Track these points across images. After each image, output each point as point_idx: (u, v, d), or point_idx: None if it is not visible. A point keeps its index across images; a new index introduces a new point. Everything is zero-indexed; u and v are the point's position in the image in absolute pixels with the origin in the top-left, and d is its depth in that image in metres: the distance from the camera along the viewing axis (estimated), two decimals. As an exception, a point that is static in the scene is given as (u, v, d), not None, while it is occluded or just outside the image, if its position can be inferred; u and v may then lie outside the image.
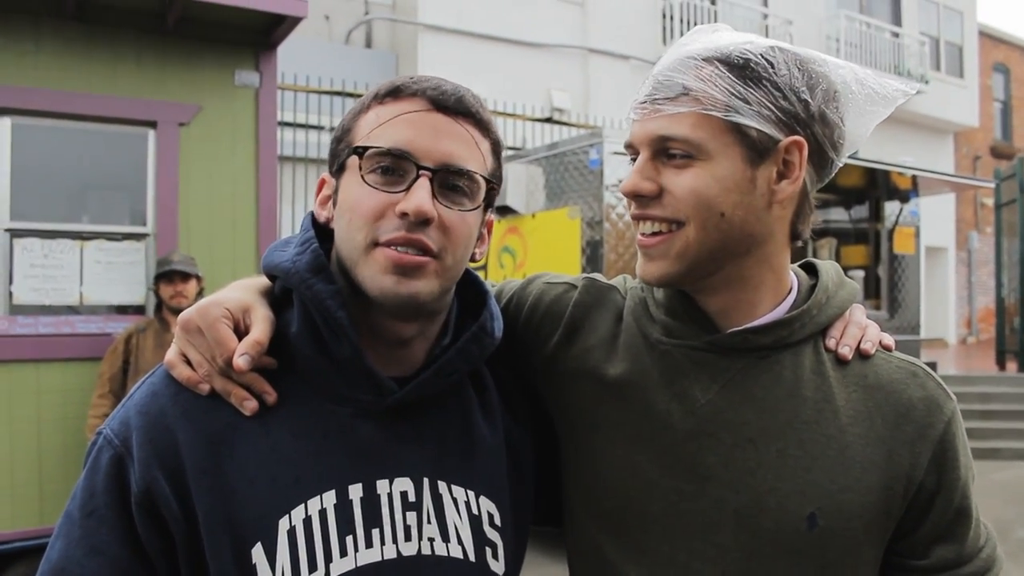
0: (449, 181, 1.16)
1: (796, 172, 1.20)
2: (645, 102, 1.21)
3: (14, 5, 4.97)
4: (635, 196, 1.22)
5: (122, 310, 5.32)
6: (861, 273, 11.06)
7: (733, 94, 1.15)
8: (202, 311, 1.17)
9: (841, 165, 1.28)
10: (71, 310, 5.16)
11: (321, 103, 10.67)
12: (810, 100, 1.19)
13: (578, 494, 1.34)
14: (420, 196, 1.11)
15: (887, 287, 11.27)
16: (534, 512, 1.40)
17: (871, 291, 11.23)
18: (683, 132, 1.16)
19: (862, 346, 1.26)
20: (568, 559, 1.40)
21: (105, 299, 5.27)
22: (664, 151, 1.19)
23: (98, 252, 5.23)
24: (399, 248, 1.12)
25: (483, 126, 1.21)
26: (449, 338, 1.27)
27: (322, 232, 1.24)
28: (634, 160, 1.24)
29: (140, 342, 4.87)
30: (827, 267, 1.34)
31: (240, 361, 1.12)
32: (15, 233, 5.05)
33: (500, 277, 8.25)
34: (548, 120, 12.79)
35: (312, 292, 1.15)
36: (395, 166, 1.14)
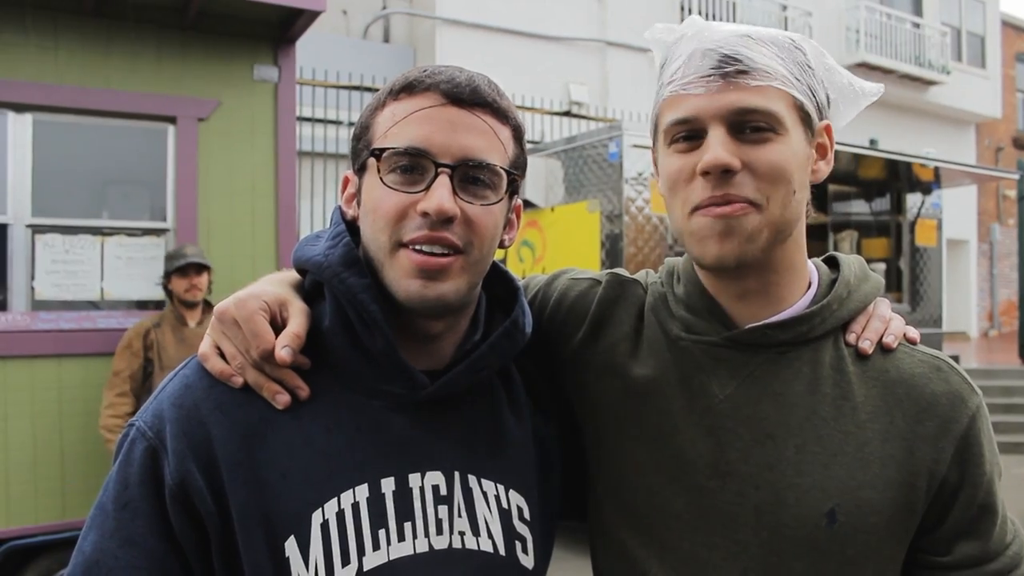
0: (470, 175, 1.15)
1: (829, 154, 1.23)
2: (711, 76, 1.15)
3: (34, 1, 4.98)
4: (721, 171, 1.13)
5: (143, 305, 5.35)
6: (882, 266, 10.99)
7: (793, 73, 1.17)
8: (240, 303, 1.18)
9: None
10: (92, 305, 5.19)
11: (340, 98, 10.69)
12: (828, 91, 1.23)
13: (603, 490, 1.34)
14: (440, 195, 1.11)
15: (908, 280, 11.20)
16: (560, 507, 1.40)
17: (892, 284, 11.15)
18: (766, 104, 1.15)
19: (884, 340, 1.25)
20: (592, 554, 1.40)
21: (126, 294, 5.29)
22: (741, 125, 1.15)
23: (118, 248, 5.25)
24: (424, 248, 1.12)
25: (501, 114, 1.19)
26: (480, 333, 1.27)
27: (351, 227, 1.24)
28: (685, 137, 1.19)
29: (159, 338, 4.82)
30: (850, 261, 1.33)
31: (283, 353, 1.12)
32: (37, 229, 5.08)
33: (519, 271, 8.25)
34: (567, 114, 12.77)
35: (345, 286, 1.15)
36: (413, 165, 1.13)
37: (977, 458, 1.19)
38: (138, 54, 5.25)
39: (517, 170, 1.22)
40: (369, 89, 10.64)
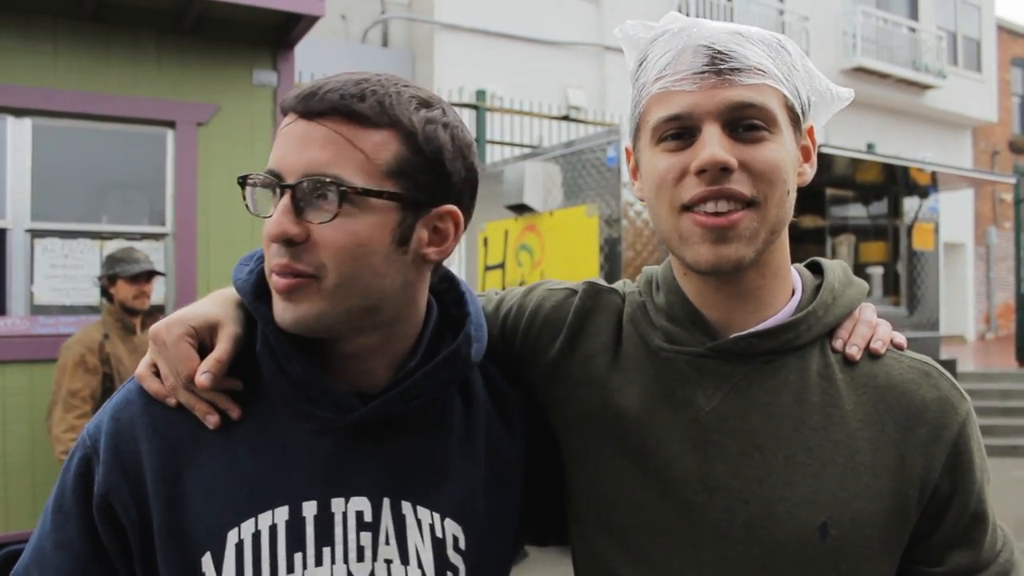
0: (315, 191, 1.06)
1: (812, 156, 1.19)
2: (704, 72, 1.11)
3: (32, 6, 5.00)
4: (719, 170, 1.09)
5: (142, 309, 5.34)
6: (880, 270, 11.01)
7: (782, 72, 1.14)
8: (168, 327, 1.18)
9: None
10: (91, 310, 5.19)
11: (338, 102, 10.65)
12: (809, 94, 1.20)
13: (584, 507, 1.30)
14: (273, 218, 1.07)
15: (906, 283, 11.21)
16: (536, 531, 1.38)
17: (890, 288, 11.17)
18: (763, 100, 1.11)
19: (872, 345, 1.21)
20: (574, 571, 1.36)
21: (125, 298, 5.28)
22: (735, 123, 1.11)
23: (118, 252, 5.26)
24: (278, 275, 1.09)
25: (361, 118, 1.07)
26: (418, 358, 1.20)
27: None
28: (674, 136, 1.13)
29: (114, 351, 4.44)
30: (833, 266, 1.30)
31: (202, 379, 1.12)
32: (36, 233, 5.09)
33: (518, 275, 8.26)
34: (565, 118, 12.75)
35: (259, 314, 1.15)
36: (272, 188, 1.09)
37: (968, 465, 1.17)
38: (137, 59, 5.26)
39: (406, 176, 1.10)
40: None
